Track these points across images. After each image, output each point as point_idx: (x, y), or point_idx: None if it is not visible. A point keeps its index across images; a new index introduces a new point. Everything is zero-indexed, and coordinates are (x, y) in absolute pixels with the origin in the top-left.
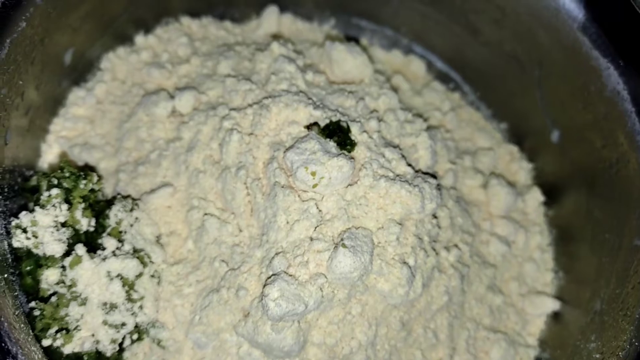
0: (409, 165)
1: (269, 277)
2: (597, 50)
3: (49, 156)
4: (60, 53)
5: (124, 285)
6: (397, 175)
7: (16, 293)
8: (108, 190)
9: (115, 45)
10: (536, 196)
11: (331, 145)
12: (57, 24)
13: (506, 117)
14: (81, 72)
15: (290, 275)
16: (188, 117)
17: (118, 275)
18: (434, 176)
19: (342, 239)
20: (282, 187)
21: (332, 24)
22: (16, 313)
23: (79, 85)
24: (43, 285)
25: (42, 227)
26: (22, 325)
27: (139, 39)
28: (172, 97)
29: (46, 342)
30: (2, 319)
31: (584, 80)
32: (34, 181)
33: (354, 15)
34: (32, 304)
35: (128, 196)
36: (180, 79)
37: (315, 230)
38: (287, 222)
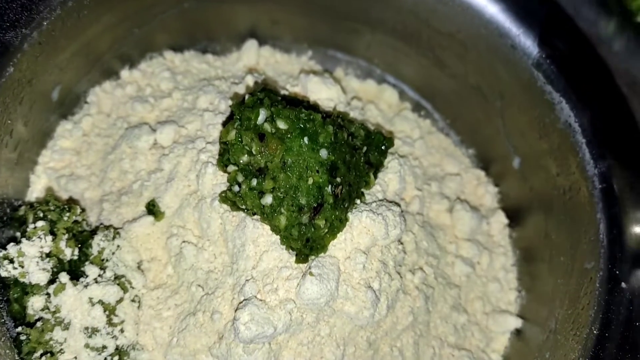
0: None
1: (241, 302)
2: (550, 85)
3: (37, 186)
4: (48, 90)
5: (105, 310)
6: (364, 203)
7: (3, 320)
8: (92, 219)
9: (101, 80)
10: (500, 219)
11: None
12: (45, 66)
13: (473, 144)
14: (68, 106)
15: (261, 300)
16: (168, 149)
17: (99, 301)
18: (398, 204)
19: (309, 267)
20: (252, 219)
21: (309, 56)
22: (2, 339)
23: (66, 119)
24: (29, 311)
25: (28, 258)
26: (7, 350)
27: (124, 73)
28: (153, 130)
29: None
30: None
31: (540, 112)
32: (21, 211)
33: (330, 48)
34: (19, 329)
35: (110, 226)
36: (162, 113)
37: (283, 259)
38: (256, 253)
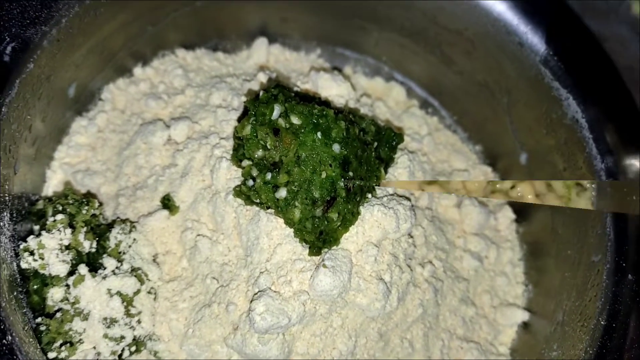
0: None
1: (255, 294)
2: (558, 81)
3: (53, 181)
4: (65, 87)
5: (123, 302)
6: (375, 197)
7: (24, 310)
8: (109, 213)
9: (115, 77)
10: (508, 214)
11: None
12: (62, 63)
13: (481, 140)
14: (84, 102)
15: (275, 292)
16: (182, 145)
17: (117, 292)
18: (408, 198)
19: (323, 260)
20: (266, 212)
21: (318, 54)
22: (25, 328)
23: (81, 115)
24: (49, 303)
25: (48, 250)
26: (31, 339)
27: (137, 70)
28: (167, 126)
29: (52, 355)
30: (14, 334)
31: (547, 108)
32: (40, 205)
33: (339, 46)
34: (39, 319)
35: (126, 219)
36: (176, 109)
37: (297, 252)
38: (270, 245)
